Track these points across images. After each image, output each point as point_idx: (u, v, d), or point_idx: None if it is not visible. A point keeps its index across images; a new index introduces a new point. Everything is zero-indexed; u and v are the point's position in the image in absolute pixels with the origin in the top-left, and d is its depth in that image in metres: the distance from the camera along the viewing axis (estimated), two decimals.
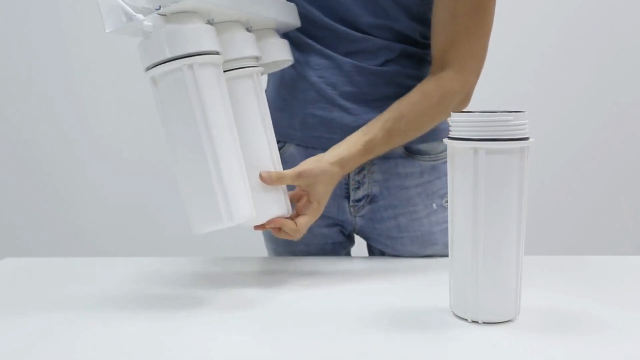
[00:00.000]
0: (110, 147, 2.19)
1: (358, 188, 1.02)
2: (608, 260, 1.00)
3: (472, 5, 0.90)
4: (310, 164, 0.88)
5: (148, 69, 0.74)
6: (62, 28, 2.16)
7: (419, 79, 0.96)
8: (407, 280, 0.90)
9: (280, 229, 0.87)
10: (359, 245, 1.13)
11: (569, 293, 0.82)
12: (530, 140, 0.67)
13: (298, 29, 0.98)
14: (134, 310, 0.78)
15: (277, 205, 0.86)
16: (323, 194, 0.88)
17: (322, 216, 0.93)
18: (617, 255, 1.02)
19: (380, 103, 0.95)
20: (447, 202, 0.86)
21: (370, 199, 1.02)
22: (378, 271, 0.95)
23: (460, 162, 0.69)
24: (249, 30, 0.87)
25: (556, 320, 0.72)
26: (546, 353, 0.64)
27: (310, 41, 0.99)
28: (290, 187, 0.91)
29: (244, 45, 0.84)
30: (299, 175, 0.86)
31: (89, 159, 2.20)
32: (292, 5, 0.95)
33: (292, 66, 0.98)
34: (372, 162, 1.00)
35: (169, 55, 0.72)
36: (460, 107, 0.95)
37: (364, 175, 1.01)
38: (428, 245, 1.03)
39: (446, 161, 0.74)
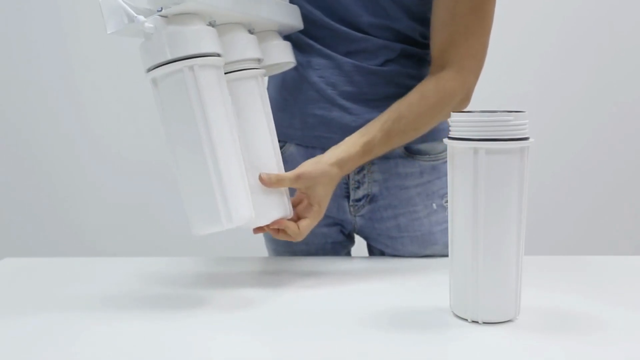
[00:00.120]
0: (110, 147, 2.19)
1: (358, 188, 1.02)
2: (608, 260, 1.00)
3: (471, 4, 0.90)
4: (309, 166, 0.88)
5: (149, 70, 0.74)
6: (62, 28, 2.16)
7: (419, 79, 0.96)
8: (407, 280, 0.91)
9: (279, 230, 0.87)
10: (359, 245, 1.13)
11: (569, 293, 0.82)
12: (530, 140, 0.68)
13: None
14: (134, 310, 0.78)
15: (278, 207, 0.86)
16: (323, 195, 0.88)
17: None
18: (617, 255, 1.02)
19: (380, 103, 0.95)
20: (447, 202, 0.86)
21: (370, 198, 1.02)
22: (378, 271, 0.95)
23: (460, 162, 0.69)
24: (251, 32, 0.87)
25: (556, 320, 0.72)
26: (546, 353, 0.64)
27: (310, 41, 0.99)
28: (291, 192, 0.91)
29: (245, 47, 0.84)
30: (298, 177, 0.86)
31: (89, 159, 2.20)
32: (294, 7, 0.95)
33: (294, 67, 0.99)
34: (372, 162, 1.00)
35: (169, 57, 0.72)
36: (460, 107, 0.95)
37: (364, 175, 1.01)
38: (428, 245, 1.03)
39: (446, 161, 0.74)
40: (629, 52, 2.12)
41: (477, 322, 0.71)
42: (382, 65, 0.97)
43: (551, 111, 2.11)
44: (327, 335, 0.69)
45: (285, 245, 1.09)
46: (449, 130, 0.70)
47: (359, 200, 1.03)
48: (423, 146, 1.01)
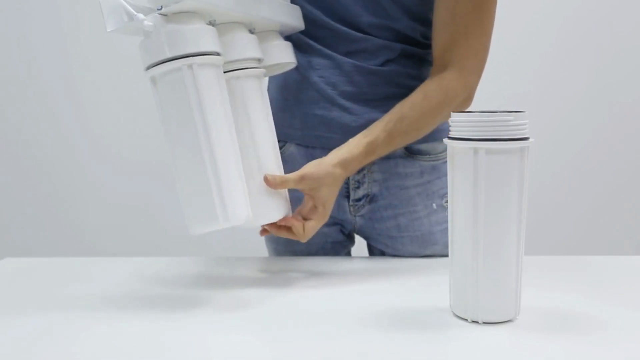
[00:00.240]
0: (110, 147, 2.19)
1: (358, 187, 1.02)
2: (608, 260, 1.00)
3: (472, 4, 0.90)
4: (313, 167, 0.88)
5: (148, 68, 0.74)
6: (62, 28, 2.16)
7: (419, 79, 0.96)
8: (407, 280, 0.90)
9: (282, 227, 0.88)
10: (359, 245, 1.13)
11: (569, 293, 0.81)
12: (530, 140, 0.67)
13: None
14: (134, 310, 0.78)
15: (279, 207, 0.87)
16: (328, 196, 0.88)
17: None
18: (617, 255, 1.02)
19: (380, 103, 0.95)
20: (447, 202, 0.86)
21: (370, 198, 1.02)
22: (378, 271, 0.95)
23: (460, 162, 0.69)
24: (252, 32, 0.87)
25: (556, 320, 0.72)
26: (546, 353, 0.64)
27: (310, 41, 0.99)
28: (293, 192, 0.91)
29: (245, 46, 0.84)
30: (302, 178, 0.86)
31: (89, 159, 2.20)
32: (296, 7, 0.95)
33: (295, 67, 0.99)
34: (372, 162, 1.00)
35: (168, 55, 0.72)
36: (463, 106, 0.95)
37: (364, 174, 1.01)
38: (428, 245, 1.03)
39: (446, 161, 0.74)
40: (629, 52, 2.12)
41: (477, 322, 0.70)
42: (382, 65, 0.97)
43: (551, 111, 2.11)
44: (327, 335, 0.69)
45: (285, 245, 1.09)
46: (449, 130, 0.70)
47: (359, 200, 1.03)
48: (423, 146, 1.01)
